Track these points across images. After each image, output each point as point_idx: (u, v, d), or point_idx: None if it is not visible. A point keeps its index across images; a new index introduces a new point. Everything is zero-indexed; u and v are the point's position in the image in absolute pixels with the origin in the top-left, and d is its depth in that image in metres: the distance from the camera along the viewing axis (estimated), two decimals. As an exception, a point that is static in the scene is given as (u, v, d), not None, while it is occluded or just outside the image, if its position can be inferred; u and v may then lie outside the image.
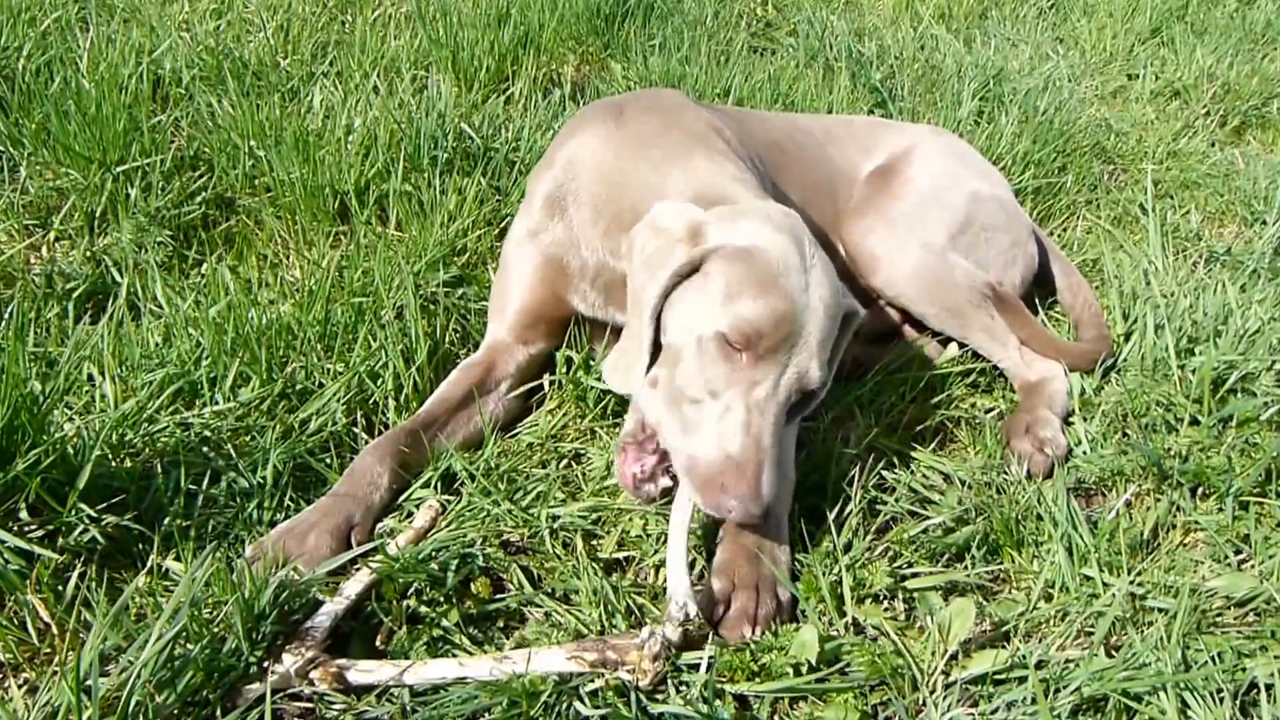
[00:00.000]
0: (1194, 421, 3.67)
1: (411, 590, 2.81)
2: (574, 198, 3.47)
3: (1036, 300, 4.28)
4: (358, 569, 2.83)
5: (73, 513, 2.78)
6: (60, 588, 2.70)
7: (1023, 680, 2.69)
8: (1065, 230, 5.10)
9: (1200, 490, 3.44)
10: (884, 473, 3.39)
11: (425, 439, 3.26)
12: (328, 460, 3.22)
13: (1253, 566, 3.17)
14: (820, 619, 2.84)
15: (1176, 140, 6.09)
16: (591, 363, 3.55)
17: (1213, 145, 6.15)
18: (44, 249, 4.04)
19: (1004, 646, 2.83)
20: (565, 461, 3.42)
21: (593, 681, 2.58)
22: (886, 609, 2.93)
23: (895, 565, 3.06)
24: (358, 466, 3.12)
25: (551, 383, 3.62)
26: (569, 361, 3.57)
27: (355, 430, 3.38)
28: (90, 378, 3.32)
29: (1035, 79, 6.54)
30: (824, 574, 2.91)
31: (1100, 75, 7.02)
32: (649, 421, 2.96)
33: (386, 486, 3.13)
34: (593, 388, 3.51)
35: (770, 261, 2.91)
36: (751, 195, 3.23)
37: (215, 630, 2.55)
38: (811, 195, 4.05)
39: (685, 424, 2.87)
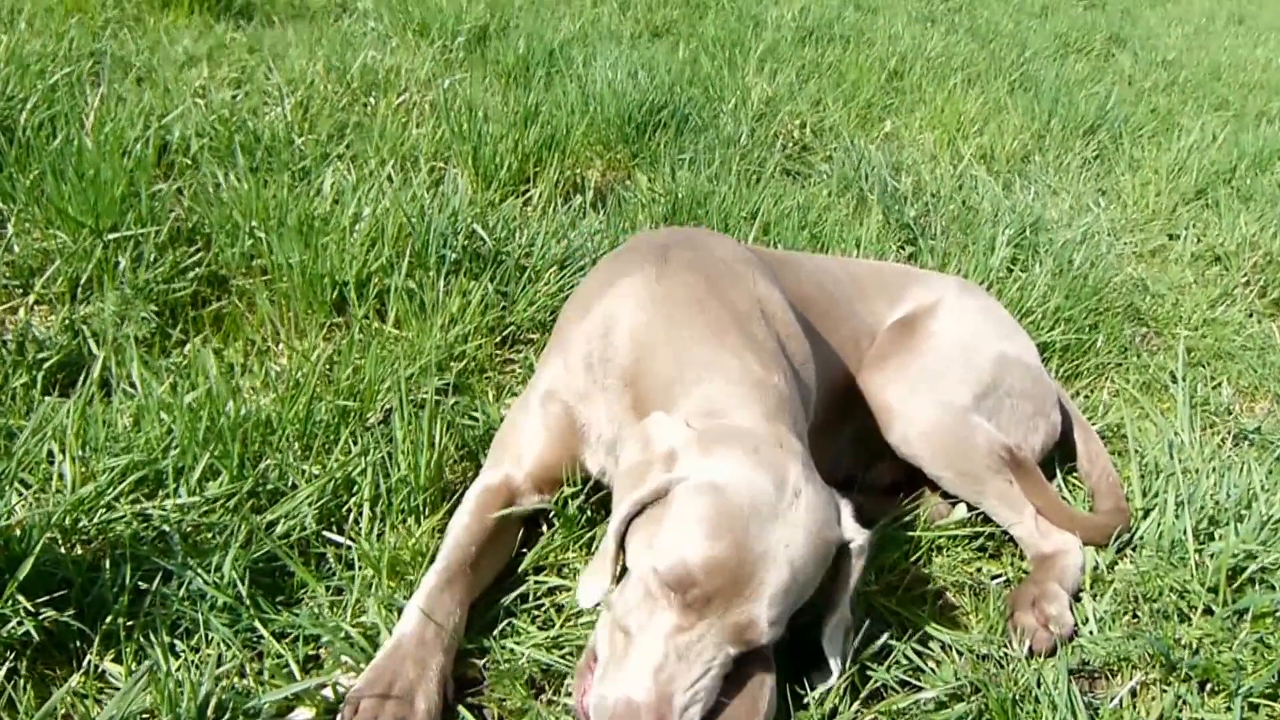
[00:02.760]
0: (1208, 611, 3.49)
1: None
2: (605, 363, 3.24)
3: (1056, 465, 4.12)
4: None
5: (9, 604, 2.61)
6: (-14, 682, 2.53)
7: None
8: (1092, 392, 4.94)
9: (1209, 686, 3.25)
10: (878, 636, 3.22)
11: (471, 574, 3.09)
12: (290, 568, 3.04)
13: (1262, 775, 3.00)
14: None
15: (1214, 308, 5.95)
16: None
17: (1250, 316, 6.00)
18: (21, 311, 3.89)
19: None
20: (546, 590, 3.24)
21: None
22: (868, 790, 2.74)
23: (881, 741, 2.86)
24: (429, 607, 2.90)
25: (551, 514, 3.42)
26: (566, 501, 3.36)
27: (326, 536, 3.21)
28: (50, 455, 3.15)
29: (1073, 231, 6.43)
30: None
31: (1141, 232, 6.89)
32: (594, 645, 2.77)
33: (461, 624, 2.95)
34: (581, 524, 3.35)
35: (732, 503, 2.64)
36: (756, 413, 2.94)
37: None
38: (837, 353, 3.91)
39: (612, 656, 2.66)
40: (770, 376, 3.05)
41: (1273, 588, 3.54)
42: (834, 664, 2.86)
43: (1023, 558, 3.75)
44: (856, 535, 2.83)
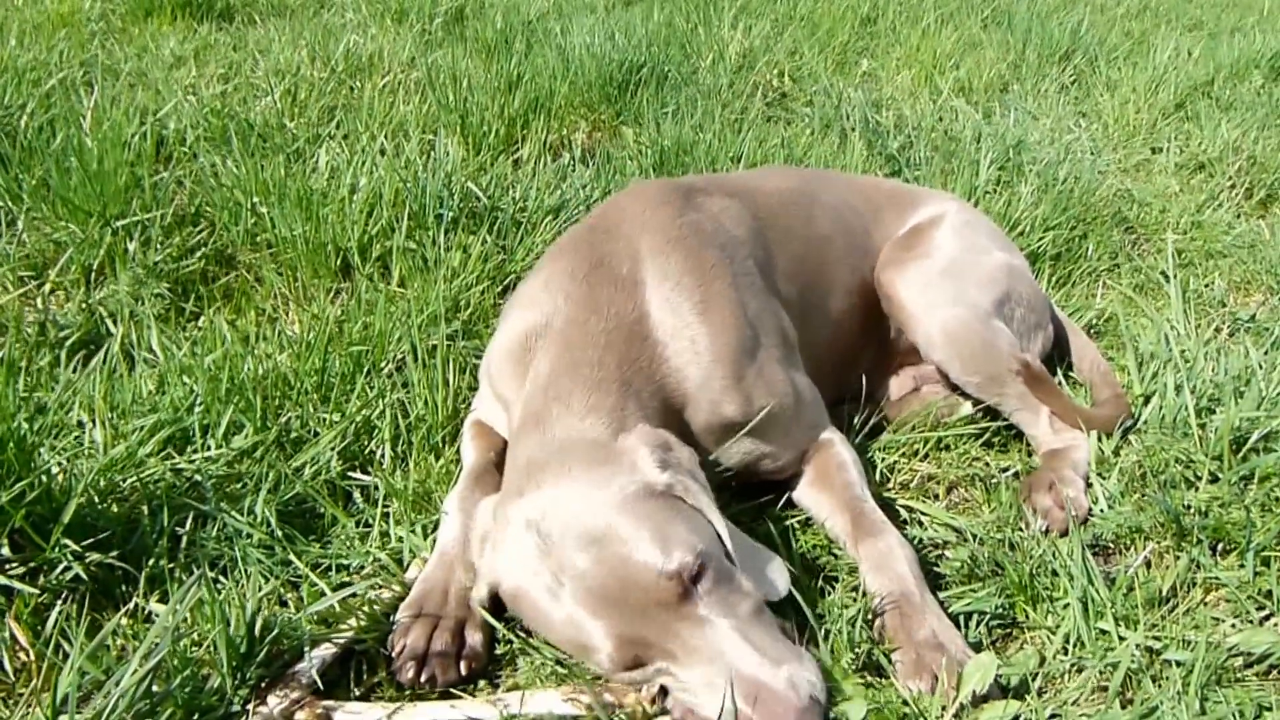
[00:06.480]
0: (1214, 479, 3.55)
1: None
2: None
3: (1057, 367, 4.20)
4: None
5: (56, 549, 2.70)
6: (39, 627, 2.62)
7: (1035, 732, 2.58)
8: (1087, 296, 5.00)
9: (1221, 546, 3.32)
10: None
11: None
12: (319, 510, 3.14)
13: (1275, 624, 3.06)
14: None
15: (1201, 211, 5.99)
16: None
17: (1238, 217, 6.04)
18: (39, 300, 4.00)
19: (1024, 699, 2.71)
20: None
21: (589, 724, 2.49)
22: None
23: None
24: (465, 508, 2.93)
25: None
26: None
27: (352, 477, 3.30)
28: (80, 424, 3.25)
29: (1055, 150, 6.49)
30: (828, 628, 2.80)
31: (1124, 149, 6.94)
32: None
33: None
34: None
35: (534, 600, 2.58)
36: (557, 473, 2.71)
37: (198, 666, 2.48)
38: (859, 291, 3.97)
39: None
40: (590, 416, 2.87)
41: (1276, 451, 3.58)
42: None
43: (1030, 453, 3.82)
44: (657, 479, 2.67)
